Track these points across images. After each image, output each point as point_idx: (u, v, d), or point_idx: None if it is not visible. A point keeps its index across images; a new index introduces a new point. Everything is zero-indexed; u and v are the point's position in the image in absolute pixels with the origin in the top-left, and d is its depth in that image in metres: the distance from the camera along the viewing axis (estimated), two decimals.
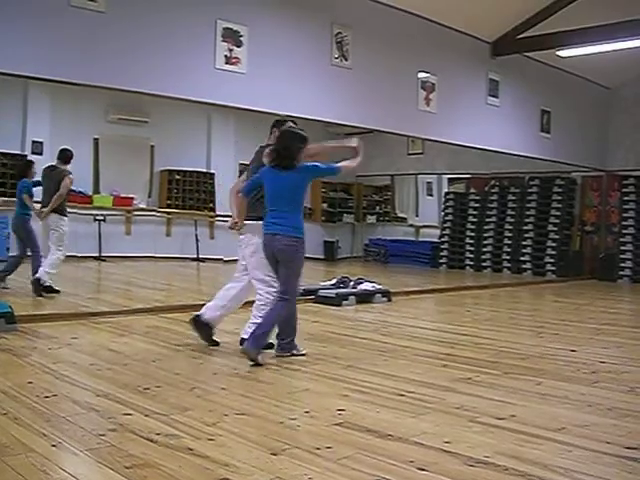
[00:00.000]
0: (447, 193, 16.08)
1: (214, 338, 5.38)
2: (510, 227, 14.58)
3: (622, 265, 13.09)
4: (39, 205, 8.21)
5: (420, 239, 16.63)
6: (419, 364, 4.98)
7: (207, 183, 15.35)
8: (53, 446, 2.96)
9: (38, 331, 5.78)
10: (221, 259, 14.46)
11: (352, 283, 8.86)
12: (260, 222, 4.94)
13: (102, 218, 13.31)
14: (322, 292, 8.28)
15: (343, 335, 6.08)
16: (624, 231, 13.18)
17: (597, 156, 13.32)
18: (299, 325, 5.66)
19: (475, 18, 9.69)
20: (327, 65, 8.33)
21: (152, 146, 14.67)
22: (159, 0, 6.84)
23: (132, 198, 14.24)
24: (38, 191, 8.35)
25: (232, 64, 7.34)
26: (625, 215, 13.22)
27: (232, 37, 7.32)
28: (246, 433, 3.22)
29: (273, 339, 5.05)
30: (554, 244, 13.88)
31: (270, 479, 2.67)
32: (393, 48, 9.04)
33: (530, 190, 14.47)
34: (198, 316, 5.36)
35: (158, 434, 3.15)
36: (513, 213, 14.61)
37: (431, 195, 17.15)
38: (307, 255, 5.21)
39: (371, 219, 17.76)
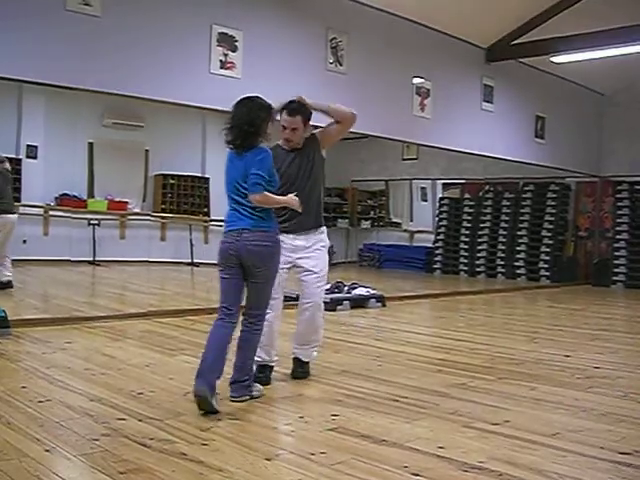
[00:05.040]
0: (441, 198, 16.11)
1: None
2: (504, 232, 14.60)
3: (616, 270, 13.11)
4: None
5: (414, 244, 16.64)
6: (413, 369, 4.98)
7: (202, 188, 15.34)
8: (46, 451, 2.95)
9: (32, 335, 5.76)
10: (215, 264, 14.43)
11: (346, 288, 8.85)
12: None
13: (96, 222, 13.28)
14: None
15: (337, 340, 6.07)
16: (618, 237, 13.21)
17: (591, 162, 13.36)
18: (292, 330, 5.67)
19: (470, 24, 9.71)
20: (322, 70, 8.34)
21: (147, 150, 14.66)
22: (155, 5, 6.84)
23: (126, 202, 14.23)
24: None
25: (227, 69, 7.35)
26: (619, 221, 13.25)
27: (227, 42, 7.32)
28: (240, 438, 3.22)
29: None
30: (548, 249, 13.90)
31: None
32: (388, 53, 9.05)
33: (524, 196, 14.50)
34: None
35: (152, 439, 3.14)
36: (507, 219, 14.63)
37: (425, 200, 17.16)
38: None
39: (365, 224, 17.75)
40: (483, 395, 4.22)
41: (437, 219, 15.98)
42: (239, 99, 4.09)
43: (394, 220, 17.40)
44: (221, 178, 13.93)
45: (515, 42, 10.34)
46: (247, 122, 3.93)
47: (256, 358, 4.16)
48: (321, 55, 8.32)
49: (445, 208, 15.83)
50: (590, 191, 14.04)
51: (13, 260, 8.59)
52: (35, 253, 11.87)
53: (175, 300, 8.94)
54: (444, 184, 16.25)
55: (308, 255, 4.46)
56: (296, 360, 4.64)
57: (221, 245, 3.98)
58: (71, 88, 6.90)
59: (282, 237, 4.14)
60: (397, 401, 4.00)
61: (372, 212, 17.85)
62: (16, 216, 8.52)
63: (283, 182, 4.19)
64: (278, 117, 4.41)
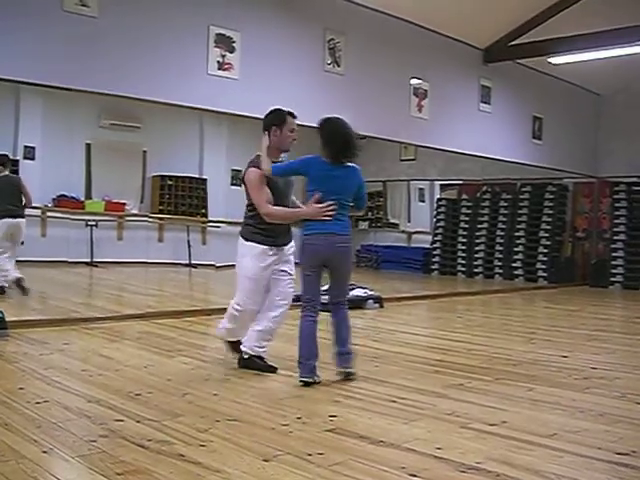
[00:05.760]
0: (439, 199, 16.11)
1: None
2: (502, 233, 14.61)
3: (613, 271, 13.13)
4: None
5: (412, 245, 16.66)
6: (411, 370, 4.99)
7: (199, 189, 15.35)
8: (44, 452, 2.94)
9: (29, 337, 5.76)
10: (213, 265, 14.45)
11: None
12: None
13: (94, 223, 13.29)
14: None
15: None
16: (615, 237, 13.23)
17: (588, 163, 13.38)
18: (291, 332, 5.68)
19: (467, 25, 9.72)
20: (320, 71, 8.35)
21: (144, 151, 14.66)
22: (152, 6, 6.83)
23: (124, 203, 14.23)
24: None
25: (225, 70, 7.35)
26: (616, 221, 13.26)
27: (225, 43, 7.32)
28: (238, 439, 3.22)
29: None
30: (546, 250, 13.92)
31: None
32: (385, 54, 9.06)
33: (522, 196, 14.52)
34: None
35: (149, 440, 3.14)
36: (505, 219, 14.64)
37: (423, 201, 17.18)
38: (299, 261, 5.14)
39: (363, 225, 17.75)
40: (480, 396, 4.23)
41: (435, 220, 15.99)
42: (328, 119, 4.50)
43: (392, 221, 17.42)
44: (218, 179, 13.88)
45: (512, 43, 10.35)
46: (348, 139, 4.42)
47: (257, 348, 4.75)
48: (319, 56, 8.33)
49: (443, 209, 15.83)
50: (588, 192, 14.06)
51: None
52: (32, 254, 11.84)
53: (173, 301, 8.94)
54: (442, 185, 16.26)
55: (286, 259, 4.79)
56: (259, 358, 4.77)
57: (310, 246, 4.41)
58: (68, 89, 6.89)
59: (275, 249, 4.66)
60: (395, 402, 4.00)
61: (370, 213, 17.85)
62: (24, 220, 8.51)
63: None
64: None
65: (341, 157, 4.40)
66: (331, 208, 4.36)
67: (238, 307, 4.71)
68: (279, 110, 4.68)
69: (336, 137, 4.40)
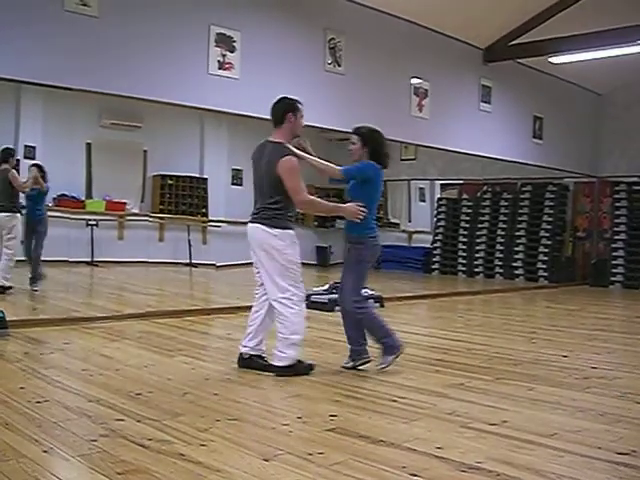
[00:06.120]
0: (440, 199, 16.12)
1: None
2: (502, 233, 14.62)
3: (614, 271, 13.14)
4: None
5: (413, 245, 16.66)
6: (411, 370, 4.98)
7: (200, 188, 15.34)
8: (44, 452, 2.94)
9: (30, 336, 5.76)
10: (214, 264, 14.45)
11: None
12: None
13: (94, 223, 13.27)
14: (314, 298, 8.24)
15: (335, 341, 6.07)
16: (616, 237, 13.24)
17: (589, 162, 13.38)
18: None
19: (467, 24, 9.72)
20: (320, 71, 8.35)
21: (145, 151, 14.65)
22: (153, 5, 6.84)
23: (125, 203, 14.22)
24: None
25: (225, 69, 7.35)
26: (617, 221, 13.27)
27: (225, 42, 7.33)
28: (238, 439, 3.22)
29: None
30: (546, 250, 13.92)
31: None
32: (386, 54, 9.06)
33: (522, 196, 14.53)
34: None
35: (150, 440, 3.14)
36: (505, 219, 14.65)
37: (424, 201, 17.18)
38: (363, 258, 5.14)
39: None
40: (481, 395, 4.23)
41: (435, 220, 15.99)
42: (372, 128, 5.09)
43: (392, 221, 17.41)
44: (219, 178, 13.93)
45: (513, 43, 10.35)
46: (387, 147, 5.07)
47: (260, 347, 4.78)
48: (319, 56, 8.33)
49: (443, 209, 15.84)
50: (588, 191, 14.06)
51: None
52: None
53: (173, 301, 8.94)
54: (442, 184, 16.26)
55: None
56: (259, 357, 4.77)
57: (377, 245, 4.92)
58: (69, 88, 6.89)
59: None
60: (395, 401, 4.01)
61: None
62: (10, 214, 8.42)
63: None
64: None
65: (385, 163, 5.00)
66: (364, 211, 4.72)
67: (302, 295, 4.65)
68: (287, 98, 4.82)
69: (384, 145, 4.99)
